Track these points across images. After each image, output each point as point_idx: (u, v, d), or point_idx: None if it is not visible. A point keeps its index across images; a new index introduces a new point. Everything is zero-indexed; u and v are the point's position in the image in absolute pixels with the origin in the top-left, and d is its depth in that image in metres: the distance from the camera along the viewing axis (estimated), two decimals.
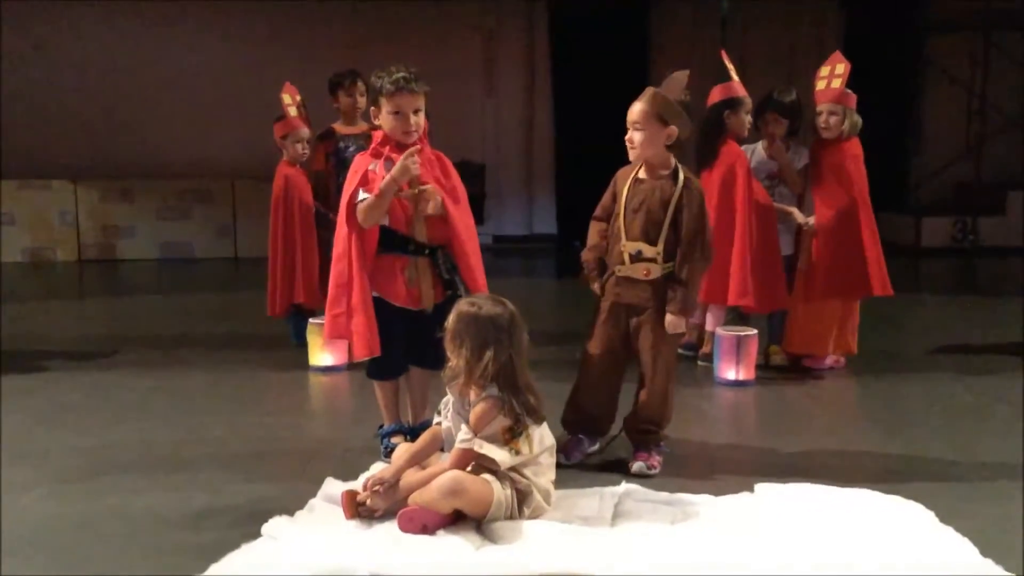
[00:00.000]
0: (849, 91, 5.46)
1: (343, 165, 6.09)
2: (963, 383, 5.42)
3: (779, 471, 3.91)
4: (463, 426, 3.34)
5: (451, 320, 3.36)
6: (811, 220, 5.55)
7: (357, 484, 3.49)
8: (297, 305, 6.07)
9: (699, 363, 5.79)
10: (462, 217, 3.98)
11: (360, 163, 3.95)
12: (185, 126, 11.05)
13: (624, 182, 4.01)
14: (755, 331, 5.44)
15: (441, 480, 3.22)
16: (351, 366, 5.62)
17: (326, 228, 6.12)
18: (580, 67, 11.14)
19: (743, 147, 5.70)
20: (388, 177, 3.77)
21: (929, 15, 11.60)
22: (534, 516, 3.31)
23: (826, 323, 5.59)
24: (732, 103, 5.52)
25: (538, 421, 3.36)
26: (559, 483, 3.49)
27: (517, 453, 3.29)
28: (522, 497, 3.31)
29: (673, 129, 3.84)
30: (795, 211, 5.64)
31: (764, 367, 5.63)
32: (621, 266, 3.95)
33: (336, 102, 6.24)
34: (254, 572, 2.91)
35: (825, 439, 4.49)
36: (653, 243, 3.88)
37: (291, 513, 3.36)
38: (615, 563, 2.94)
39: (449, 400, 3.48)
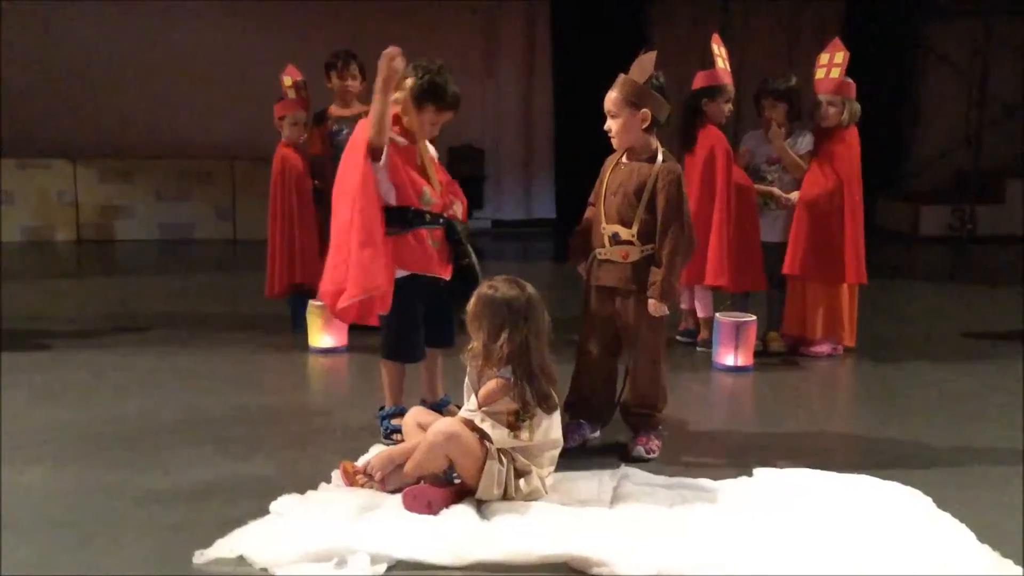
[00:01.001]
0: (849, 80, 5.48)
1: (338, 148, 6.09)
2: (960, 370, 5.45)
3: (777, 456, 3.93)
4: (471, 397, 3.40)
5: (471, 302, 3.42)
6: (793, 196, 5.61)
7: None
8: (296, 286, 6.08)
9: (698, 349, 5.81)
10: None
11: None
12: (185, 107, 11.01)
13: (608, 166, 4.05)
14: (754, 317, 5.46)
15: (437, 424, 3.30)
16: (351, 347, 5.65)
17: (325, 209, 6.12)
18: (580, 50, 11.08)
19: (750, 132, 5.75)
20: (377, 83, 3.74)
21: (929, 2, 11.58)
22: (531, 499, 3.33)
23: (812, 307, 5.62)
24: (711, 91, 5.57)
25: (549, 409, 3.38)
26: (558, 466, 3.51)
27: (516, 438, 3.32)
28: (519, 475, 3.34)
29: (646, 112, 3.85)
30: (775, 189, 5.70)
31: (762, 353, 5.65)
32: (601, 249, 3.98)
33: (330, 83, 6.23)
34: (259, 549, 2.93)
35: (823, 425, 4.52)
36: (628, 225, 3.90)
37: (289, 491, 3.38)
38: (613, 546, 2.96)
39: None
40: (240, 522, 3.14)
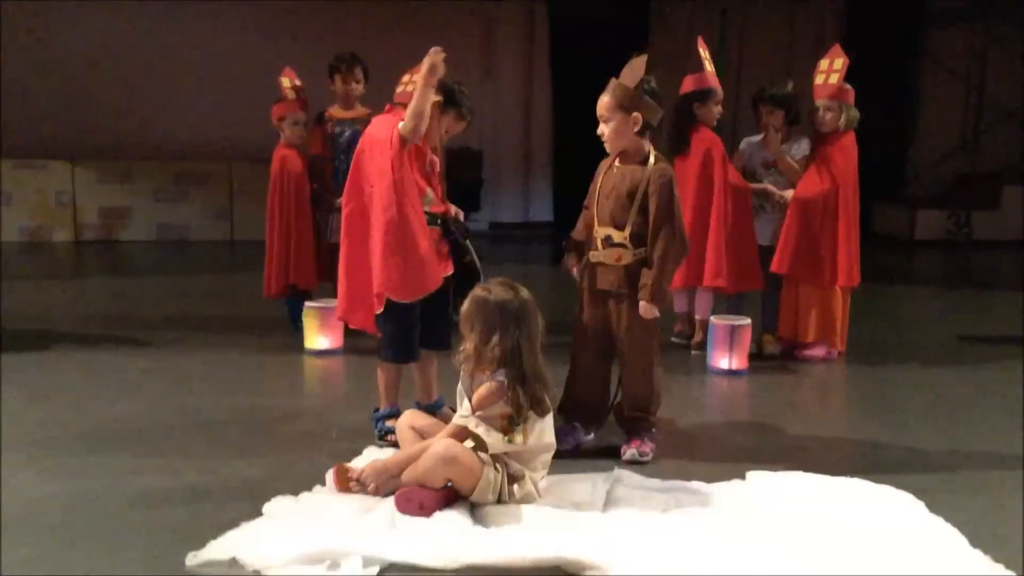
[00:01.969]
0: (847, 86, 5.49)
1: (338, 150, 6.11)
2: (956, 374, 5.46)
3: (771, 459, 3.93)
4: (464, 402, 3.40)
5: (465, 304, 3.43)
6: (787, 194, 5.63)
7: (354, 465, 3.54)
8: (293, 286, 6.09)
9: (692, 352, 5.82)
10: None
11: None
12: (183, 108, 11.04)
13: (602, 169, 4.07)
14: (749, 320, 5.47)
15: (436, 447, 3.29)
16: (346, 350, 5.65)
17: (323, 210, 6.14)
18: (579, 53, 11.09)
19: (748, 137, 5.79)
20: (423, 74, 3.79)
21: (929, 7, 11.60)
22: (524, 502, 3.33)
23: (804, 310, 5.63)
24: (701, 95, 5.60)
25: (542, 413, 3.39)
26: (551, 469, 3.51)
27: (510, 442, 3.32)
28: (512, 480, 3.34)
29: (638, 115, 3.86)
30: (769, 187, 5.72)
31: (757, 356, 5.66)
32: (595, 251, 3.99)
33: (333, 85, 6.24)
34: (252, 550, 2.93)
35: (817, 428, 4.52)
36: (620, 228, 3.91)
37: (283, 493, 3.39)
38: (607, 549, 2.96)
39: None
40: (233, 524, 3.14)
